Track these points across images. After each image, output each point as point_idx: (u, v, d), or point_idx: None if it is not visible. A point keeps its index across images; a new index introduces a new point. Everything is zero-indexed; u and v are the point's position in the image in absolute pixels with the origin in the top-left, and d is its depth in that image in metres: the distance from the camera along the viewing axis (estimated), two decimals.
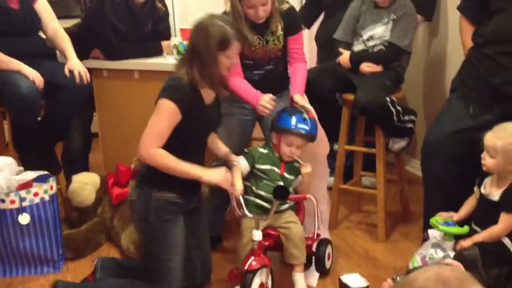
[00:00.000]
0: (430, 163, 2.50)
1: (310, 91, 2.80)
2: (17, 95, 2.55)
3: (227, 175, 2.16)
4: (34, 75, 2.62)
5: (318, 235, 2.48)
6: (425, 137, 2.54)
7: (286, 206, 2.32)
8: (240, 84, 2.40)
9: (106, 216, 2.82)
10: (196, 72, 2.08)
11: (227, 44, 2.07)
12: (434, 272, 1.05)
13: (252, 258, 2.16)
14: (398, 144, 2.89)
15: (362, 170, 3.13)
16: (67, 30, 3.01)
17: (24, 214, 2.48)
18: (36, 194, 2.51)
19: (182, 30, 3.26)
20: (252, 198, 2.30)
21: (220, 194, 2.62)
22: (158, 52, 3.09)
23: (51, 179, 2.60)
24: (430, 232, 2.32)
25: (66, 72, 2.73)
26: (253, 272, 2.14)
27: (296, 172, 2.35)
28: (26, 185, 2.53)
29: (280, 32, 2.44)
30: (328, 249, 2.49)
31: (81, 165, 3.19)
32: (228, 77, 2.24)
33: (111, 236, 2.84)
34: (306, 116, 2.30)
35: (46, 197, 2.54)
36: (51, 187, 2.58)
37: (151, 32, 3.15)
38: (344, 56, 2.82)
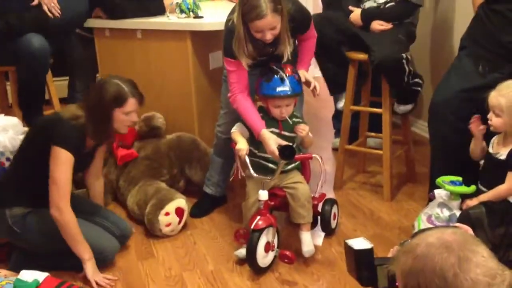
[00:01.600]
0: (437, 123, 2.47)
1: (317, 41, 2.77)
2: (30, 50, 2.54)
3: (99, 275, 2.19)
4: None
5: (323, 195, 2.48)
6: (432, 96, 2.50)
7: (291, 166, 2.31)
8: (246, 108, 2.29)
9: (112, 177, 2.83)
10: (90, 125, 2.16)
11: (123, 100, 2.16)
12: (436, 237, 1.05)
13: (258, 217, 2.16)
14: (404, 107, 2.86)
15: (367, 131, 3.11)
16: None
17: None
18: None
19: None
20: (256, 159, 2.29)
21: (224, 155, 2.62)
22: (161, 11, 3.04)
23: None
24: (437, 191, 2.32)
25: (35, 2, 2.68)
26: (260, 231, 2.15)
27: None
28: None
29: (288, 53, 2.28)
30: (334, 209, 2.49)
31: None
32: None
33: (118, 196, 2.85)
34: (283, 75, 2.23)
35: None
36: None
37: None
38: (355, 14, 2.76)
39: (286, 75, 2.24)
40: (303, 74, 2.39)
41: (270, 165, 2.28)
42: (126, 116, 2.19)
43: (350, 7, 2.80)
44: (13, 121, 2.59)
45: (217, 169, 2.70)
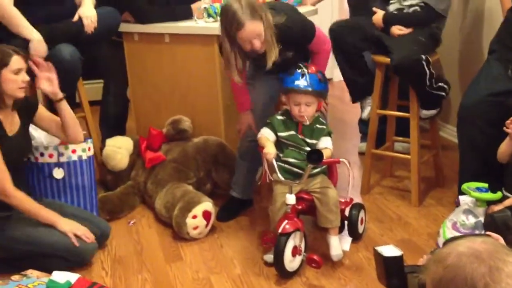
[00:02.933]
0: (466, 127, 2.46)
1: (338, 48, 2.78)
2: (60, 61, 2.58)
3: (80, 226, 2.29)
4: None
5: (351, 199, 2.48)
6: (461, 100, 2.49)
7: (317, 169, 2.31)
8: (237, 90, 2.54)
9: (140, 179, 2.86)
10: None
11: (7, 59, 2.16)
12: (467, 247, 1.04)
13: (286, 221, 2.17)
14: (428, 112, 2.84)
15: (394, 135, 3.09)
16: None
17: (59, 168, 2.52)
18: (74, 151, 2.55)
19: None
20: (281, 164, 2.29)
21: (250, 157, 2.64)
22: (188, 15, 3.06)
23: (89, 140, 2.66)
24: (462, 198, 2.30)
25: (76, 18, 2.71)
26: (287, 235, 2.15)
27: (320, 136, 2.29)
28: (66, 143, 2.57)
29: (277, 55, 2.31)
30: (361, 214, 2.48)
31: (117, 129, 3.23)
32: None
33: (145, 199, 2.88)
34: (305, 71, 2.24)
35: (84, 156, 2.58)
36: (89, 148, 2.63)
37: None
38: (378, 16, 2.76)
39: (307, 71, 2.24)
40: None
41: (295, 169, 2.29)
42: (16, 76, 2.20)
43: (374, 8, 2.79)
44: None
45: (243, 172, 2.72)
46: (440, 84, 2.72)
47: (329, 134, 2.30)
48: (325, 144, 2.26)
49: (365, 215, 2.54)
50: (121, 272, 2.33)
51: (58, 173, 2.53)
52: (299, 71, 2.25)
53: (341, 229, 2.39)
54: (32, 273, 2.15)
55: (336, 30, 2.79)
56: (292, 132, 2.28)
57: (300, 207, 2.29)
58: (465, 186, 2.28)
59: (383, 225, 2.63)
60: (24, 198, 2.24)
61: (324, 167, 2.35)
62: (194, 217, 2.50)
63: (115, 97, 3.25)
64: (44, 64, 2.32)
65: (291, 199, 2.18)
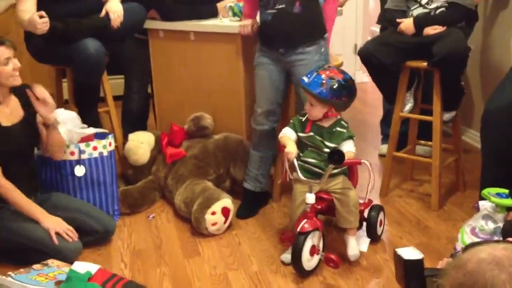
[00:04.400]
0: (489, 132, 2.43)
1: (371, 66, 2.76)
2: (85, 54, 2.62)
3: (63, 224, 2.31)
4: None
5: (370, 201, 2.47)
6: (486, 105, 2.46)
7: (338, 170, 2.30)
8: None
9: (161, 174, 2.89)
10: None
11: None
12: (487, 253, 1.03)
13: (305, 220, 2.17)
14: (449, 114, 2.82)
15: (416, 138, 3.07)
16: None
17: (81, 166, 2.56)
18: (95, 148, 2.59)
19: None
20: (301, 164, 2.30)
21: (261, 148, 2.67)
22: (214, 13, 3.08)
23: (110, 136, 2.69)
24: (481, 203, 2.28)
25: (103, 13, 2.75)
26: (306, 234, 2.16)
27: (340, 139, 2.26)
28: (87, 139, 2.62)
29: None
30: (380, 216, 2.48)
31: (139, 125, 3.27)
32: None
33: (165, 194, 2.91)
34: (318, 72, 2.23)
35: (105, 152, 2.62)
36: (110, 144, 2.66)
37: None
38: (407, 22, 2.70)
39: (317, 72, 2.23)
40: None
41: (315, 169, 2.29)
42: (5, 66, 2.22)
43: (398, 20, 2.76)
44: (72, 115, 2.69)
45: (255, 163, 2.74)
46: (462, 82, 2.75)
47: (350, 137, 2.28)
48: (347, 147, 2.24)
49: (384, 217, 2.53)
50: (140, 265, 2.36)
51: (80, 171, 2.57)
52: (313, 71, 2.25)
53: (359, 230, 2.39)
54: (53, 262, 2.19)
55: (370, 49, 2.75)
56: (311, 134, 2.29)
57: (319, 206, 2.30)
58: (485, 191, 2.26)
59: (402, 228, 2.62)
60: (13, 189, 2.27)
61: (344, 168, 2.35)
62: (213, 213, 2.52)
63: (138, 93, 3.29)
64: (40, 96, 2.34)
65: (311, 198, 2.19)
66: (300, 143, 2.32)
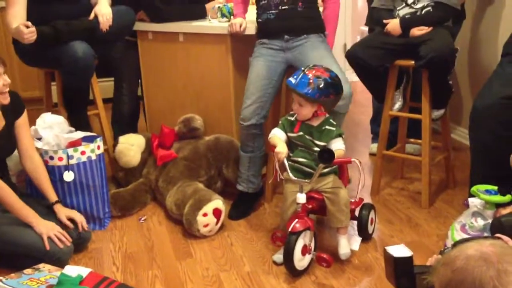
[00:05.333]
0: (478, 130, 2.44)
1: (359, 68, 2.77)
2: (73, 58, 2.61)
3: (56, 227, 2.31)
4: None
5: (361, 199, 2.48)
6: (474, 102, 2.48)
7: (328, 169, 2.31)
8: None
9: (151, 177, 2.89)
10: None
11: None
12: (475, 249, 1.04)
13: (296, 220, 2.18)
14: (438, 112, 2.84)
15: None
16: None
17: (69, 171, 2.54)
18: (83, 153, 2.57)
19: None
20: (291, 163, 2.29)
21: (249, 149, 2.70)
22: (203, 14, 3.09)
23: (98, 139, 2.67)
24: (471, 200, 2.29)
25: (92, 16, 2.74)
26: (297, 234, 2.16)
27: (328, 138, 2.25)
28: (74, 144, 2.60)
29: None
30: (371, 214, 2.48)
31: (130, 127, 3.26)
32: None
33: (157, 196, 2.91)
34: (304, 72, 2.21)
35: (93, 156, 2.61)
36: (98, 147, 2.65)
37: None
38: (394, 23, 2.71)
39: (303, 71, 2.22)
40: None
41: (306, 168, 2.29)
42: None
43: (385, 20, 2.76)
44: (59, 119, 2.68)
45: (245, 164, 2.75)
46: (450, 81, 2.77)
47: (339, 135, 2.28)
48: (337, 145, 2.23)
49: (375, 216, 2.54)
50: (132, 268, 2.35)
51: (68, 176, 2.54)
52: (300, 71, 2.25)
53: (350, 229, 2.40)
54: (44, 267, 2.18)
55: (358, 52, 2.76)
56: (301, 133, 2.29)
57: (310, 206, 2.30)
58: (474, 188, 2.27)
59: (393, 226, 2.63)
60: (9, 191, 2.27)
61: (335, 167, 2.35)
62: (205, 214, 2.52)
63: (128, 95, 3.29)
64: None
65: (301, 198, 2.19)
66: (290, 143, 2.32)
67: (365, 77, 2.88)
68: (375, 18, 2.87)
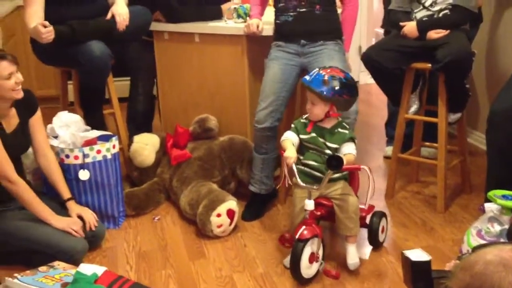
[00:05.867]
0: (495, 133, 2.42)
1: (375, 71, 2.76)
2: (90, 57, 2.63)
3: (76, 222, 2.35)
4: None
5: (372, 206, 2.43)
6: (491, 106, 2.46)
7: (338, 175, 2.24)
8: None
9: (166, 176, 2.90)
10: None
11: None
12: (494, 255, 1.03)
13: (304, 227, 2.13)
14: (454, 115, 2.82)
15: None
16: None
17: (85, 170, 2.56)
18: (98, 152, 2.58)
19: None
20: (301, 167, 2.26)
21: (262, 150, 2.70)
22: (218, 15, 3.09)
23: (113, 138, 2.68)
24: (487, 205, 2.27)
25: (109, 16, 2.75)
26: (305, 241, 2.11)
27: (341, 140, 2.22)
28: (90, 142, 2.61)
29: None
30: (383, 222, 2.42)
31: (144, 127, 3.27)
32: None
33: (171, 196, 2.91)
34: (319, 71, 2.21)
35: (108, 155, 2.62)
36: (114, 146, 2.66)
37: None
38: (411, 26, 2.69)
39: (318, 70, 2.21)
40: None
41: (316, 173, 2.24)
42: (8, 81, 2.23)
43: (402, 23, 2.74)
44: (75, 118, 2.70)
45: (258, 165, 2.75)
46: (467, 84, 2.74)
47: (352, 139, 2.22)
48: (348, 149, 2.19)
49: (386, 224, 2.48)
50: (146, 267, 2.36)
51: (84, 175, 2.56)
52: (318, 68, 2.25)
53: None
54: (59, 264, 2.19)
55: (374, 55, 2.75)
56: (313, 135, 2.25)
57: (319, 213, 2.25)
58: (491, 193, 2.25)
59: (408, 230, 2.61)
60: (27, 188, 2.30)
61: (345, 172, 2.30)
62: (218, 215, 2.52)
63: (143, 95, 3.30)
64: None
65: (310, 204, 2.14)
66: (301, 146, 2.29)
67: (380, 80, 2.87)
68: (391, 21, 2.85)
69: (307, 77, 2.23)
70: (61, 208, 2.42)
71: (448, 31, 2.63)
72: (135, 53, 3.22)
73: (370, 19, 5.23)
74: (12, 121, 2.37)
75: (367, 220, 2.39)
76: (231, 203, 2.57)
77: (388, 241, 2.50)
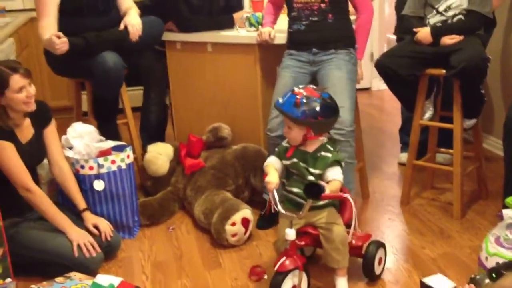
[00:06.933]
0: None
1: (388, 78, 2.75)
2: (104, 68, 2.64)
3: (87, 237, 2.34)
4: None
5: (368, 235, 2.28)
6: (508, 112, 2.43)
7: (325, 201, 2.06)
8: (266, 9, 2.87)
9: (180, 186, 2.90)
10: None
11: (5, 81, 2.20)
12: None
13: (284, 258, 2.01)
14: (470, 121, 2.79)
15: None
16: (139, 3, 3.06)
17: (100, 180, 2.56)
18: (113, 162, 2.59)
19: (253, 2, 3.26)
20: (286, 194, 2.15)
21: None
22: (230, 24, 3.10)
23: (128, 148, 2.69)
24: (505, 212, 2.24)
25: (121, 26, 2.77)
26: (284, 274, 1.99)
27: (324, 165, 2.05)
28: (105, 153, 2.62)
29: None
30: (380, 253, 2.23)
31: (158, 136, 3.28)
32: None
33: (185, 205, 2.91)
34: (293, 92, 2.04)
35: (123, 165, 2.62)
36: (128, 156, 2.67)
37: (224, 5, 3.16)
38: (424, 32, 2.67)
39: (291, 91, 2.06)
40: None
41: (300, 200, 2.07)
42: (19, 94, 2.24)
43: (415, 29, 2.72)
44: (89, 129, 2.71)
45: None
46: (482, 90, 2.72)
47: (337, 162, 2.05)
48: (332, 175, 2.02)
49: (385, 255, 2.28)
50: (161, 277, 2.36)
51: (99, 185, 2.57)
52: (291, 90, 2.07)
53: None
54: (75, 275, 2.20)
55: (387, 63, 2.73)
56: (294, 160, 2.10)
57: (302, 242, 2.10)
58: (509, 199, 2.22)
59: (425, 237, 2.58)
60: (45, 197, 2.32)
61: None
62: (233, 224, 2.52)
63: (156, 105, 3.31)
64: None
65: (290, 234, 1.99)
66: (287, 172, 2.15)
67: (394, 87, 2.85)
68: (405, 26, 2.84)
69: (280, 99, 2.07)
70: (76, 219, 2.43)
71: (462, 37, 2.61)
72: (147, 63, 3.23)
73: (381, 24, 5.21)
74: (26, 131, 2.39)
75: (363, 250, 2.20)
76: (246, 212, 2.57)
77: (404, 249, 2.47)
